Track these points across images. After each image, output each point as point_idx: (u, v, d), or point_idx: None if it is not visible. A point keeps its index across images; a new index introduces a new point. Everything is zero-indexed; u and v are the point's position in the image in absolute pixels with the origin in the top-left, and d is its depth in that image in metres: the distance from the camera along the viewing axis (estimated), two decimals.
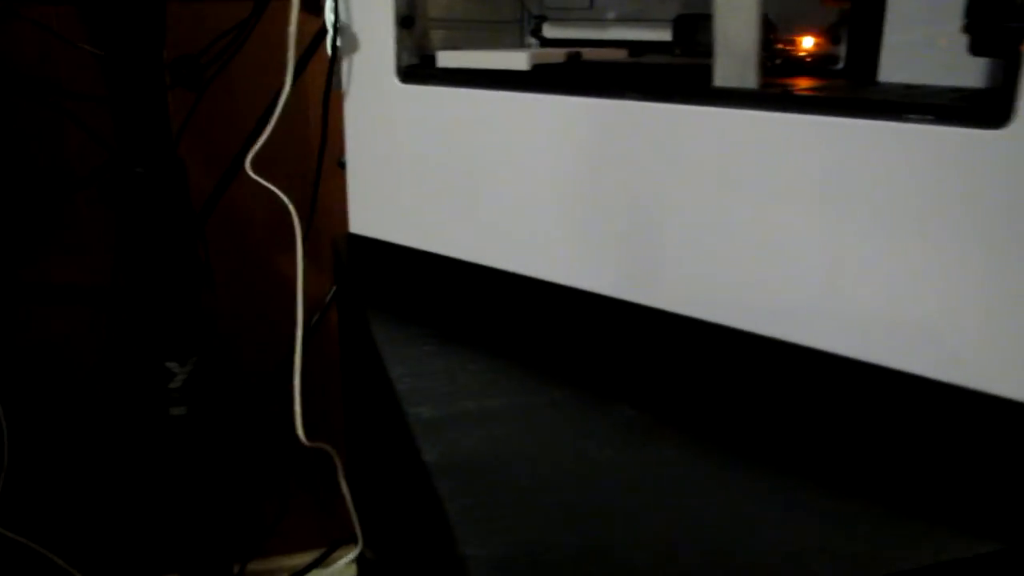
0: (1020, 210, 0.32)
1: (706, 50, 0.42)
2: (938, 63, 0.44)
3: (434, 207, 0.53)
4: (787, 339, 0.39)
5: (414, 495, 0.38)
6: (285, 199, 0.53)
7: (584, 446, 0.37)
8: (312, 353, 0.59)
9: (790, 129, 0.37)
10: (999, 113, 0.32)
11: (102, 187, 0.79)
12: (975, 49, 0.36)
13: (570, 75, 0.47)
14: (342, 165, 0.58)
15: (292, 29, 0.50)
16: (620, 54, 0.56)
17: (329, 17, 0.55)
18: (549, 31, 0.65)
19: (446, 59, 0.52)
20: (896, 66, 0.48)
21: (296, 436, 0.54)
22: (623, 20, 0.60)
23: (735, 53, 0.40)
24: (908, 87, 0.45)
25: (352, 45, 0.54)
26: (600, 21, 0.62)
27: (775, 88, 0.41)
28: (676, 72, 0.44)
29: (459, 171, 0.50)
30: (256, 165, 0.54)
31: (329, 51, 0.54)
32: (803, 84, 0.48)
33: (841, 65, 0.52)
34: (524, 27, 0.68)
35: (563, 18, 0.64)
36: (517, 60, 0.48)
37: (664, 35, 0.54)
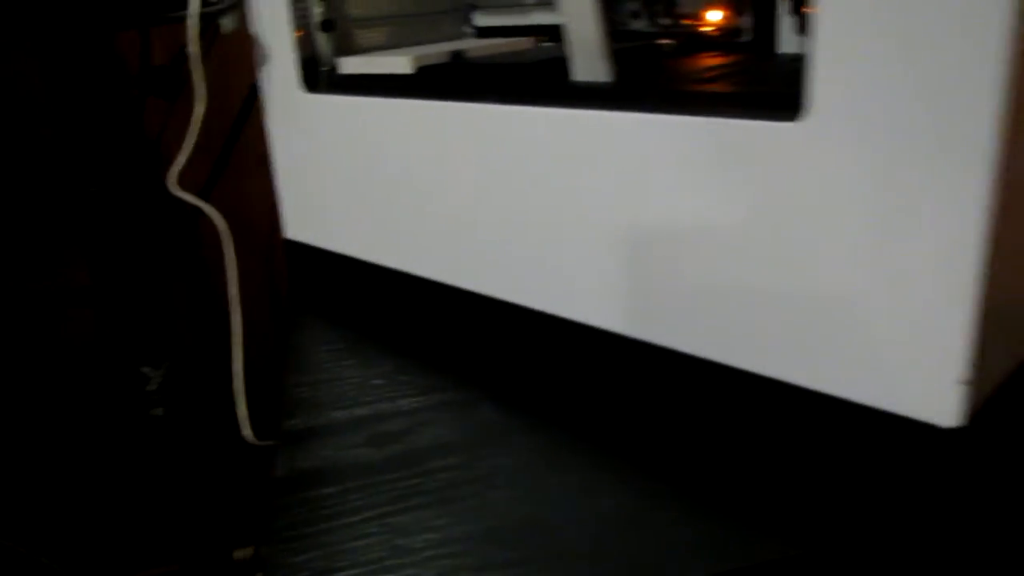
0: (817, 204, 0.31)
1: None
2: None
3: (350, 214, 0.54)
4: (642, 338, 0.39)
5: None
6: (210, 211, 0.55)
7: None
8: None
9: (602, 126, 0.37)
10: (793, 106, 0.30)
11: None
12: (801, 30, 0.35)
13: (446, 78, 0.47)
14: None
15: (193, 49, 0.52)
16: (527, 44, 0.55)
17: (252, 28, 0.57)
18: (480, 19, 0.64)
19: (347, 65, 0.53)
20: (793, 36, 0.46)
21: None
22: (544, 4, 0.59)
23: (583, 48, 0.40)
24: (794, 59, 0.43)
25: (265, 55, 0.56)
26: (525, 6, 0.61)
27: (630, 80, 0.41)
28: (553, 66, 0.43)
29: (364, 178, 0.51)
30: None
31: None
32: (705, 63, 0.47)
33: (749, 38, 0.50)
34: (464, 15, 0.68)
35: (492, 4, 0.64)
36: (402, 64, 0.48)
37: None
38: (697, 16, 0.52)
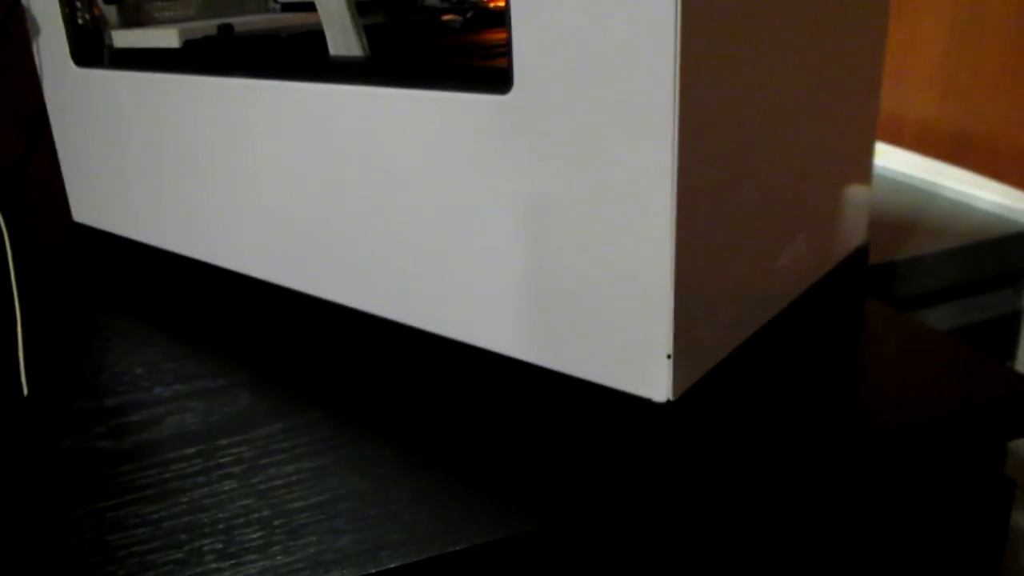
0: (525, 175, 0.31)
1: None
2: None
3: (129, 196, 0.51)
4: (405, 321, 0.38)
5: None
6: None
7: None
8: None
9: (338, 99, 0.36)
10: (505, 80, 0.30)
11: None
12: None
13: (206, 53, 0.45)
14: None
15: None
16: (299, 19, 0.53)
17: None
18: None
19: (119, 39, 0.50)
20: None
21: None
22: None
23: (331, 22, 0.39)
24: None
25: (35, 27, 0.52)
26: None
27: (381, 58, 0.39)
28: (312, 40, 0.42)
29: (137, 158, 0.49)
30: None
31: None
32: (483, 39, 0.47)
33: None
34: None
35: None
36: (168, 37, 0.46)
37: None
38: None
